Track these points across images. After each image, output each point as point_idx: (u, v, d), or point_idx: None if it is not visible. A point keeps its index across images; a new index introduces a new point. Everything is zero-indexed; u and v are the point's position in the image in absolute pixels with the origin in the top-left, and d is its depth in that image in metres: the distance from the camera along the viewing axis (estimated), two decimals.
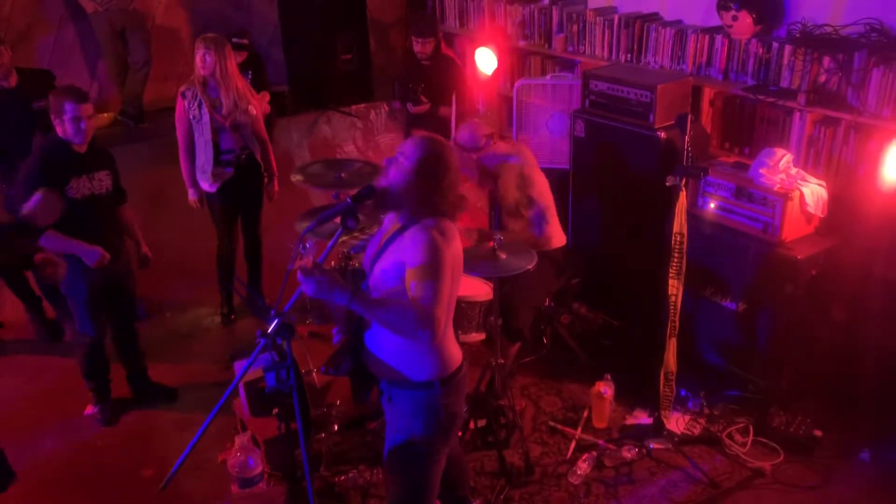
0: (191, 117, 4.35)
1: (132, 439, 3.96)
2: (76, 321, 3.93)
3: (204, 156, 4.42)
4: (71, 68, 5.99)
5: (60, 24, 6.02)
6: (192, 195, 4.60)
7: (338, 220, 2.45)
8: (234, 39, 5.01)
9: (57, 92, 3.61)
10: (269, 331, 2.39)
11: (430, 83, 5.08)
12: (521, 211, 4.00)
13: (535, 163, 4.09)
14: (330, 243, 2.53)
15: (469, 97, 5.54)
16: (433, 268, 2.34)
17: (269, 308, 2.41)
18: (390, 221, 2.58)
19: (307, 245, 2.49)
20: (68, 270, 3.72)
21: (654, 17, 4.92)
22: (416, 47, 5.13)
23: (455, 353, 2.57)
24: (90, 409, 4.11)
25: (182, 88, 4.37)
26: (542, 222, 3.93)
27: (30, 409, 4.20)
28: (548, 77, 5.27)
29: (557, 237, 4.08)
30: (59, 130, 3.57)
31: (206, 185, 4.51)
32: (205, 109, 4.31)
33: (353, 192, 2.48)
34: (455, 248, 2.44)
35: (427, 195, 2.41)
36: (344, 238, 3.51)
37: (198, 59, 4.27)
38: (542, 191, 3.99)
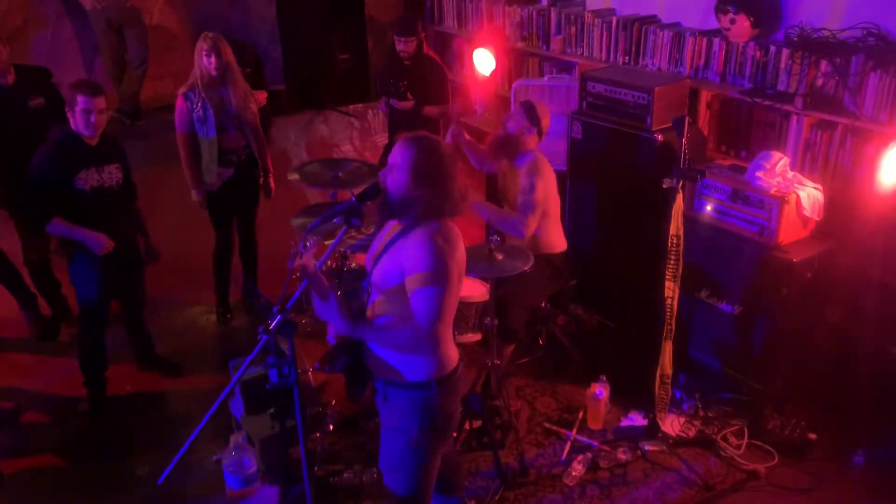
0: (195, 118, 4.31)
1: (127, 437, 3.95)
2: (81, 314, 3.96)
3: (209, 156, 4.40)
4: (67, 65, 5.98)
5: (57, 20, 6.02)
6: (196, 196, 4.57)
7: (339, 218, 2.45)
8: None
9: (72, 84, 3.70)
10: (272, 327, 2.39)
11: (411, 82, 5.09)
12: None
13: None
14: (334, 241, 2.53)
15: (454, 97, 5.53)
16: (436, 281, 2.33)
17: (271, 304, 2.41)
18: (391, 222, 2.58)
19: (308, 244, 2.48)
20: (79, 261, 3.82)
21: (652, 20, 4.93)
22: (399, 46, 5.13)
23: (452, 354, 2.57)
24: (84, 407, 4.10)
25: (183, 89, 4.33)
26: (527, 214, 3.86)
27: (24, 407, 4.18)
28: (545, 78, 5.28)
29: (558, 242, 4.06)
30: (71, 122, 3.67)
31: (208, 185, 4.50)
32: (209, 108, 4.29)
33: (348, 192, 2.48)
34: (459, 253, 2.44)
35: (430, 199, 2.39)
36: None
37: (205, 60, 4.23)
38: (548, 187, 3.95)
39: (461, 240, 2.49)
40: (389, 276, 2.44)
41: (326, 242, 2.84)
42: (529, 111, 3.91)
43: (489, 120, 6.32)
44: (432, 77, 5.19)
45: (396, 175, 2.41)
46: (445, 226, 2.43)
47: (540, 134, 3.94)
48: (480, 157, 4.19)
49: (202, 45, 4.24)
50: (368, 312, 2.57)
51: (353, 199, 2.43)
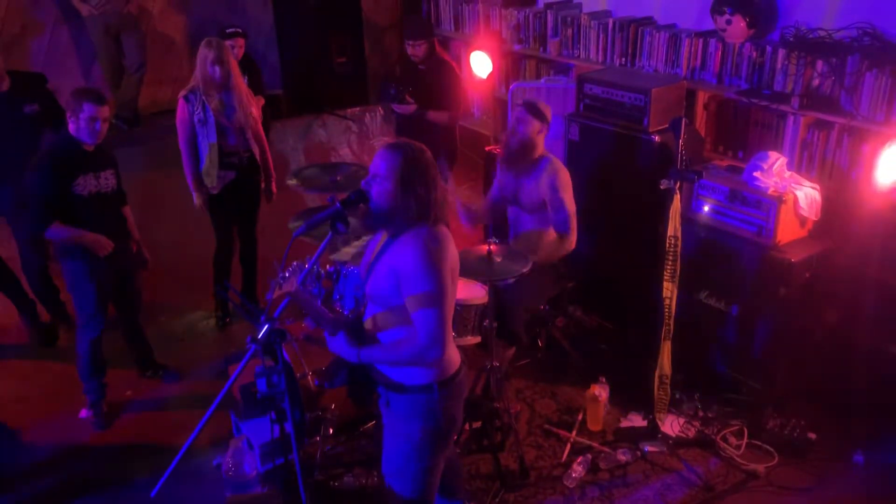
0: (196, 121, 4.32)
1: (126, 443, 3.95)
2: (79, 320, 3.95)
3: (209, 159, 4.41)
4: (65, 71, 5.99)
5: (54, 26, 6.03)
6: (197, 199, 4.57)
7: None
8: (229, 30, 5.03)
9: (77, 91, 3.69)
10: (259, 336, 2.38)
11: (423, 86, 5.03)
12: (545, 212, 3.98)
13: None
14: (320, 247, 2.52)
15: (465, 101, 5.50)
16: (434, 293, 2.33)
17: (260, 313, 2.40)
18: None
19: (286, 274, 2.45)
20: (76, 270, 3.81)
21: (648, 21, 4.94)
22: (409, 50, 5.09)
23: (453, 357, 2.57)
24: (84, 413, 4.10)
25: (184, 92, 4.34)
26: (570, 228, 3.91)
27: (23, 412, 4.18)
28: (542, 80, 5.29)
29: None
30: (71, 128, 3.66)
31: (209, 188, 4.50)
32: (210, 112, 4.30)
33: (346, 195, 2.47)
34: (451, 256, 2.42)
35: (415, 207, 2.38)
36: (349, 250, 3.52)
37: (209, 67, 4.23)
38: (568, 199, 3.97)
39: (451, 240, 2.47)
40: (384, 285, 2.42)
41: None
42: (536, 111, 3.88)
43: (486, 122, 6.33)
44: (440, 81, 5.07)
45: (380, 184, 2.39)
46: (434, 229, 2.41)
47: (545, 125, 3.92)
48: (474, 217, 4.19)
49: (207, 53, 4.24)
50: (368, 325, 2.56)
51: (338, 204, 2.42)
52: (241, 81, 4.42)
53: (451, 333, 2.52)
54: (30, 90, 4.43)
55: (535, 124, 3.87)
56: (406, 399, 2.53)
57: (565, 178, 3.92)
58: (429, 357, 2.39)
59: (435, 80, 5.04)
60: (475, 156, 5.97)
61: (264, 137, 4.70)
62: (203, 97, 4.29)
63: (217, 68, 4.24)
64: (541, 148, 3.94)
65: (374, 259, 2.50)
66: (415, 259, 2.34)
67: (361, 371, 2.60)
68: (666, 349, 3.58)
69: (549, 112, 3.93)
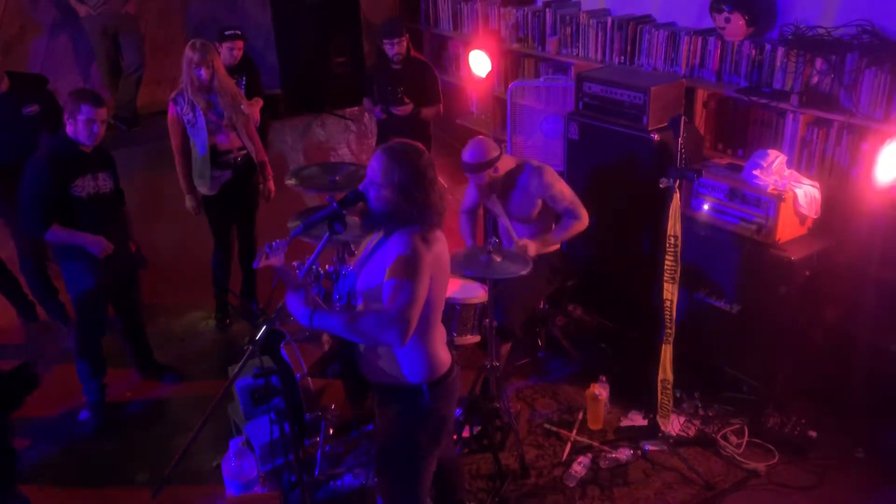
0: (185, 122, 4.33)
1: (126, 444, 3.95)
2: (78, 322, 3.95)
3: (201, 160, 4.40)
4: (63, 72, 5.98)
5: (53, 27, 6.01)
6: (189, 202, 4.58)
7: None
8: (227, 32, 5.03)
9: (75, 93, 3.70)
10: (258, 338, 2.38)
11: (405, 86, 5.06)
12: (545, 213, 3.98)
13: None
14: (318, 246, 2.52)
15: (444, 98, 5.48)
16: (408, 271, 2.31)
17: (260, 314, 2.40)
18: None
19: (273, 245, 2.42)
20: (76, 271, 3.82)
21: (647, 20, 4.93)
22: (392, 50, 5.08)
23: (444, 358, 2.57)
24: (84, 414, 4.10)
25: (173, 95, 4.36)
26: (579, 209, 3.92)
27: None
28: (541, 79, 5.28)
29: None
30: (69, 129, 3.66)
31: (205, 189, 4.50)
32: (199, 112, 4.30)
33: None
34: (437, 253, 2.42)
35: (412, 210, 2.38)
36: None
37: (195, 70, 4.24)
38: (564, 187, 3.98)
39: (443, 243, 2.48)
40: (373, 279, 2.43)
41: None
42: (471, 168, 3.82)
43: (485, 121, 6.32)
44: (425, 79, 5.15)
45: (377, 190, 2.39)
46: (426, 229, 2.41)
47: (499, 154, 3.84)
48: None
49: (192, 56, 4.24)
50: None
51: (335, 205, 2.42)
52: (228, 81, 4.41)
53: (440, 331, 2.53)
54: (30, 91, 4.43)
55: (488, 171, 3.82)
56: (396, 399, 2.54)
57: (551, 175, 3.94)
58: (386, 335, 2.27)
59: (414, 79, 5.07)
60: None
61: (258, 136, 4.69)
62: (191, 99, 4.29)
63: (202, 70, 4.24)
64: (507, 164, 3.92)
65: (367, 256, 2.51)
66: (399, 248, 2.35)
67: (354, 368, 2.59)
68: (667, 353, 3.57)
69: (487, 148, 3.81)
